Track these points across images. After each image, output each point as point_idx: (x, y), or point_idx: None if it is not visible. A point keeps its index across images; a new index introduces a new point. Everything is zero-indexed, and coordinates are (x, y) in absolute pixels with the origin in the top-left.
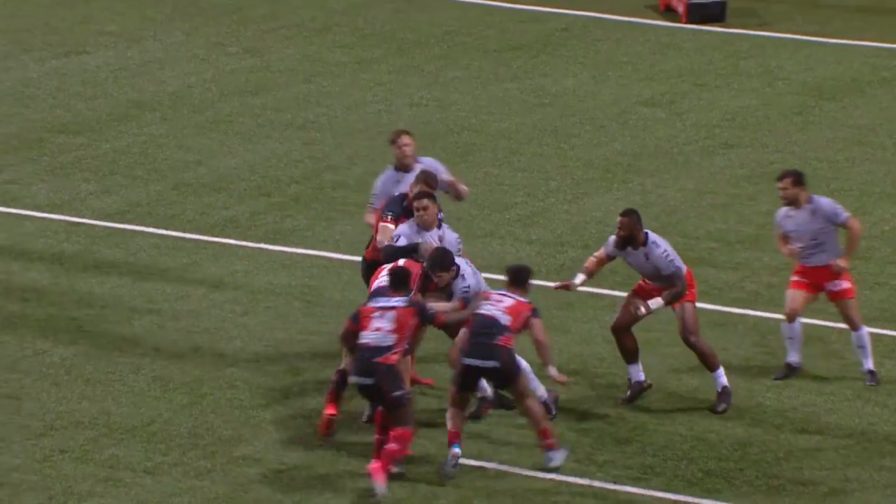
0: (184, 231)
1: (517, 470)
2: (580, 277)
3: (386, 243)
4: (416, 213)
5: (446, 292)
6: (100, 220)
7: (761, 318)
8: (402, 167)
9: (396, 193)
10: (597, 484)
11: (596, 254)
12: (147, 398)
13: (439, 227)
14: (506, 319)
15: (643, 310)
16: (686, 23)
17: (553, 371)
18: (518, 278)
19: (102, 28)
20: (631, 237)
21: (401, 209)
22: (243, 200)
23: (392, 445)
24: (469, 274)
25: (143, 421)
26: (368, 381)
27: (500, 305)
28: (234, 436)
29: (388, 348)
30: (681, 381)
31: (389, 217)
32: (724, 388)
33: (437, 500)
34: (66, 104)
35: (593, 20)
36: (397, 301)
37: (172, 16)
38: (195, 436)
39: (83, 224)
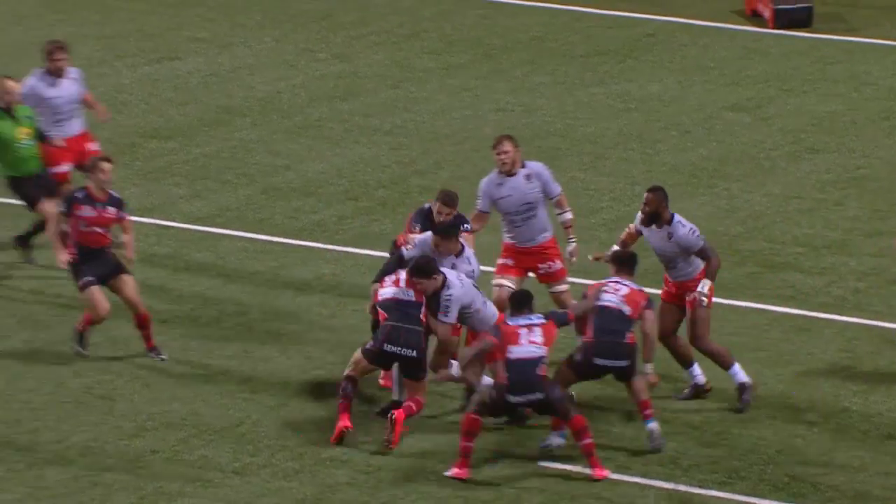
0: (272, 235)
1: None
2: (613, 249)
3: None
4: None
5: (433, 301)
6: (190, 223)
7: (848, 323)
8: (504, 172)
9: (497, 196)
10: (682, 488)
11: (628, 227)
12: (236, 400)
13: (458, 255)
14: (628, 310)
15: (706, 301)
16: (772, 28)
17: (649, 368)
18: (629, 262)
19: (194, 34)
20: (656, 213)
21: (427, 221)
22: (331, 204)
23: (586, 441)
24: (456, 286)
25: (232, 422)
26: (538, 396)
27: (619, 294)
28: (322, 438)
29: (543, 359)
30: (766, 385)
31: (417, 228)
32: (742, 384)
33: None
34: (158, 110)
35: (679, 26)
36: (537, 318)
37: (263, 22)
38: (283, 437)
39: (174, 228)
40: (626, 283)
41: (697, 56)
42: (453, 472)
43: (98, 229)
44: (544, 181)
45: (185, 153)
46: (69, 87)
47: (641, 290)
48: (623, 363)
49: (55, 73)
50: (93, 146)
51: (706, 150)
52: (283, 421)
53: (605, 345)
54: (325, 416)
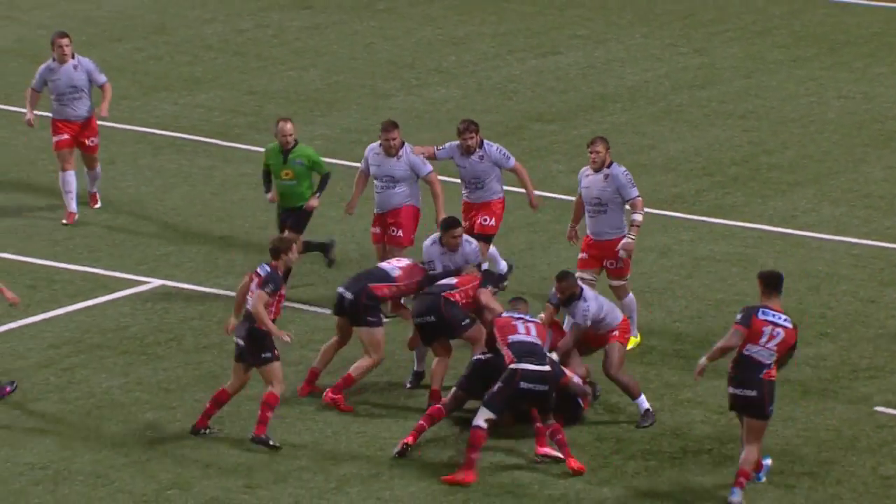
0: None
1: None
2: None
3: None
4: (446, 239)
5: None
6: (566, 195)
7: None
8: (594, 169)
9: (582, 186)
10: None
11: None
12: None
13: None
14: (774, 357)
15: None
16: None
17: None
18: (774, 283)
19: (574, 32)
20: (571, 296)
21: None
22: (689, 179)
23: (561, 436)
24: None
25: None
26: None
27: (772, 343)
28: (679, 381)
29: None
30: None
31: None
32: (647, 410)
33: None
34: (542, 97)
35: None
36: (787, 320)
37: (633, 21)
38: (646, 380)
39: (554, 198)
40: (784, 322)
41: None
42: (461, 476)
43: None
44: (619, 185)
45: (564, 134)
46: None
47: (793, 329)
48: (752, 393)
49: (388, 152)
50: None
51: None
52: (646, 366)
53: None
54: (683, 363)
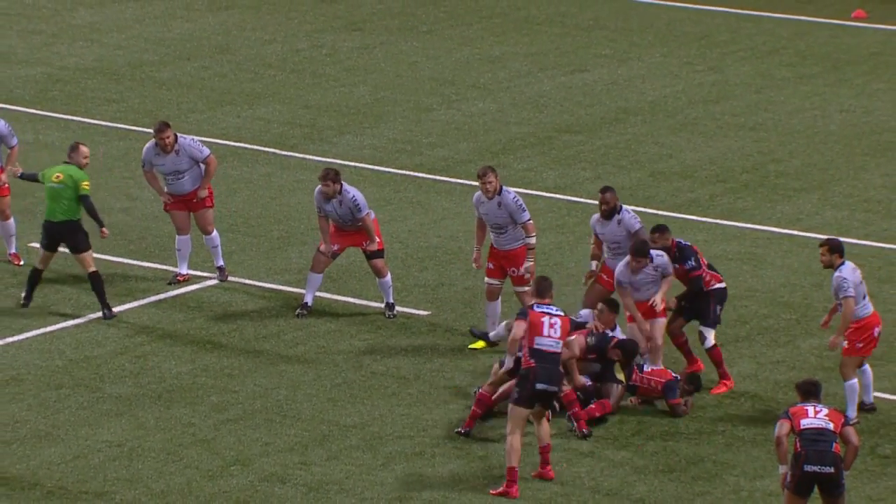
0: (657, 209)
1: None
2: (594, 264)
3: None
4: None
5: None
6: (593, 199)
7: None
8: (487, 196)
9: (481, 212)
10: None
11: (593, 240)
12: None
13: None
14: (832, 426)
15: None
16: None
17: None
18: (813, 392)
19: (599, 51)
20: (613, 209)
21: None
22: (704, 185)
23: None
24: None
25: None
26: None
27: (821, 415)
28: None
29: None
30: None
31: None
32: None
33: None
34: (570, 110)
35: None
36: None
37: (653, 41)
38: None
39: (580, 203)
40: (821, 406)
41: None
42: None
43: None
44: (511, 210)
45: (590, 144)
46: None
47: (840, 412)
48: (829, 469)
49: (162, 149)
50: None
51: None
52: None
53: (815, 453)
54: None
